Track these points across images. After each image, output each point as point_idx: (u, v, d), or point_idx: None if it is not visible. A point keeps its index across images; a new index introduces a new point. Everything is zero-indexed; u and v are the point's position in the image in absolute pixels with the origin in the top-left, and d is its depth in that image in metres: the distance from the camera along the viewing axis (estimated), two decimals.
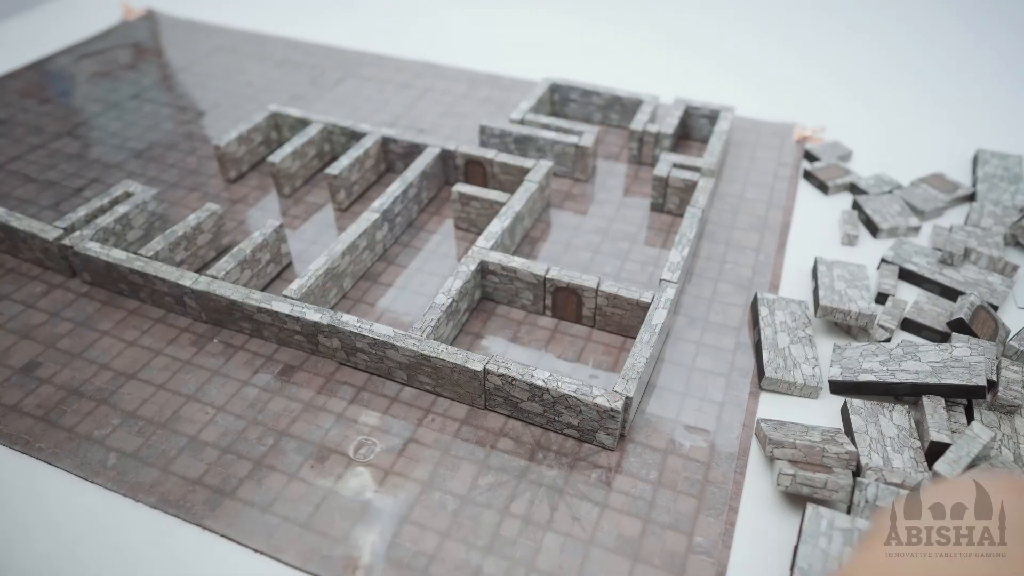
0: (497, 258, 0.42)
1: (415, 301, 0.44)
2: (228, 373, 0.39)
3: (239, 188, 0.54)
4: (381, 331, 0.37)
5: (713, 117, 0.57)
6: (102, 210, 0.47)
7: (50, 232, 0.44)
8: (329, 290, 0.43)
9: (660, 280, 0.41)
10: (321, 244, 0.48)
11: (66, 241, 0.44)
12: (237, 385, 0.39)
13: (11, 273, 0.46)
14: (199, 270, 0.46)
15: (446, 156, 0.53)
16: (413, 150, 0.53)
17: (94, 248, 0.43)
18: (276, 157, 0.51)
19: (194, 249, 0.46)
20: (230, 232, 0.49)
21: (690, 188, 0.49)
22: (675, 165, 0.51)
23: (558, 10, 0.84)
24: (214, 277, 0.41)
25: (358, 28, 0.78)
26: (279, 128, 0.58)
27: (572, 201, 0.52)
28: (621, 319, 0.41)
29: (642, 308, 0.40)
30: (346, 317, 0.38)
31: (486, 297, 0.44)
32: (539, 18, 0.82)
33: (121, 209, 0.46)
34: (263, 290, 0.45)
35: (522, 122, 0.56)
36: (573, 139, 0.53)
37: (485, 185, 0.52)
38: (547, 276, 0.41)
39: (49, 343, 0.41)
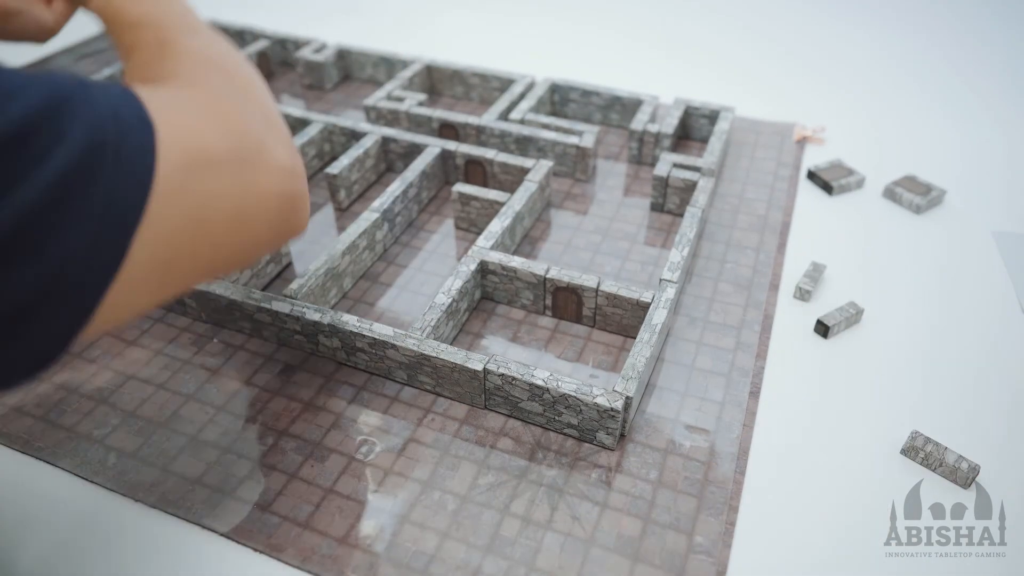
0: (497, 258, 0.42)
1: (415, 301, 0.44)
2: (228, 373, 0.39)
3: None
4: (381, 331, 0.37)
5: (713, 117, 0.57)
6: None
7: None
8: (329, 290, 0.43)
9: (660, 280, 0.41)
10: (321, 244, 0.48)
11: None
12: (237, 385, 0.39)
13: None
14: None
15: (446, 156, 0.52)
16: (413, 150, 0.53)
17: None
18: None
19: None
20: None
21: (690, 188, 0.49)
22: (675, 165, 0.51)
23: (558, 11, 0.84)
24: None
25: (358, 28, 0.78)
26: None
27: (572, 201, 0.52)
28: (621, 319, 0.41)
29: (642, 308, 0.40)
30: (346, 317, 0.38)
31: (486, 297, 0.44)
32: (538, 19, 0.82)
33: None
34: (263, 290, 0.45)
35: (522, 122, 0.56)
36: (573, 139, 0.53)
37: (485, 185, 0.52)
38: (547, 276, 0.41)
39: None
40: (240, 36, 0.71)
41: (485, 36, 0.77)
